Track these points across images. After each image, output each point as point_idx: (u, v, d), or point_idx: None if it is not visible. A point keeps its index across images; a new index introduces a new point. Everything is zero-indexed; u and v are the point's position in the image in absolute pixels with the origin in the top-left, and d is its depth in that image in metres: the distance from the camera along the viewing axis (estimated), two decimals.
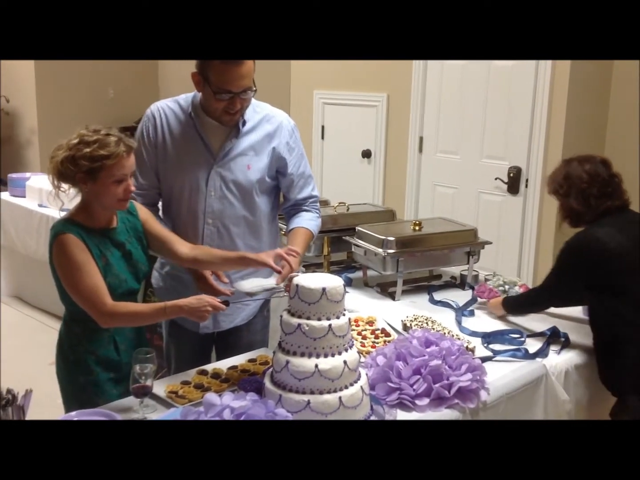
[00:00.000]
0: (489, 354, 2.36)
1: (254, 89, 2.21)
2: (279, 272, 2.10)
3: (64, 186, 1.99)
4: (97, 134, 1.94)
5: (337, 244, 3.21)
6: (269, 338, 2.63)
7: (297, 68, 5.53)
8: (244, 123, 2.30)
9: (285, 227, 2.50)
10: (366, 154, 5.23)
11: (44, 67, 7.20)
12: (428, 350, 2.05)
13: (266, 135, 2.34)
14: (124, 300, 2.03)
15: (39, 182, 4.73)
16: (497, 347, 2.43)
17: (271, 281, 2.18)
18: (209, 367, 2.22)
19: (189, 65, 2.20)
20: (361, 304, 2.84)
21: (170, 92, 2.40)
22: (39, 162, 7.31)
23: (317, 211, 2.50)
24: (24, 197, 4.84)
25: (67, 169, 1.93)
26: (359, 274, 3.20)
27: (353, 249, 3.10)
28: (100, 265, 1.99)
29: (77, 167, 1.92)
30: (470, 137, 4.58)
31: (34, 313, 4.80)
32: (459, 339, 2.40)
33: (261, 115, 2.35)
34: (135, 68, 7.76)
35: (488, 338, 2.49)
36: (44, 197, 4.57)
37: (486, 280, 2.92)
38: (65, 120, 7.03)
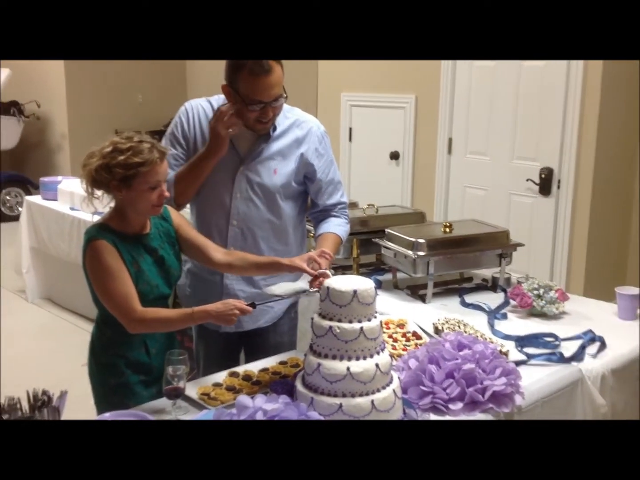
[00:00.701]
0: (523, 357, 2.31)
1: (285, 96, 2.21)
2: (314, 276, 2.07)
3: (97, 192, 2.00)
4: (130, 141, 1.93)
5: (366, 246, 3.18)
6: (297, 339, 2.62)
7: (325, 71, 5.53)
8: (275, 128, 2.30)
9: (313, 230, 2.49)
10: (394, 156, 5.20)
11: (74, 73, 7.30)
12: (461, 353, 2.02)
13: (295, 140, 2.34)
14: (155, 306, 2.03)
15: (70, 185, 4.78)
16: (531, 350, 2.38)
17: (300, 284, 2.17)
18: (240, 369, 2.21)
19: (217, 71, 2.21)
20: (391, 307, 2.81)
21: (198, 97, 2.41)
22: (70, 166, 7.40)
23: (346, 217, 2.49)
24: (56, 200, 4.90)
25: (102, 177, 1.93)
26: (388, 276, 3.17)
27: (382, 251, 3.06)
28: (131, 272, 1.99)
29: (112, 174, 1.92)
30: (501, 138, 4.53)
31: (65, 315, 4.84)
32: (492, 342, 2.36)
33: (291, 120, 2.35)
34: (163, 74, 7.83)
35: (522, 341, 2.44)
36: (76, 201, 4.61)
37: (519, 282, 2.87)
38: (95, 125, 7.13)
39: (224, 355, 2.51)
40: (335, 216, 2.45)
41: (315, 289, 2.06)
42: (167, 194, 2.01)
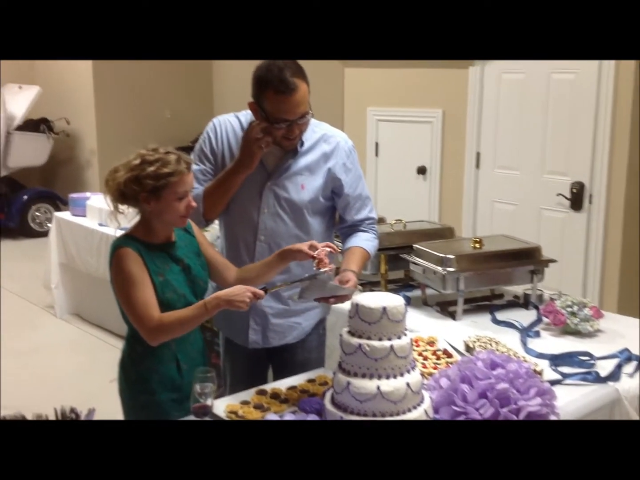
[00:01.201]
0: (558, 377, 2.26)
1: (311, 113, 2.20)
2: (312, 257, 2.07)
3: (122, 207, 2.01)
4: (157, 152, 1.96)
5: (394, 261, 3.14)
6: (325, 356, 2.59)
7: (351, 85, 5.52)
8: (302, 143, 2.29)
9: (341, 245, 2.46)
10: (421, 171, 5.16)
11: (103, 90, 7.39)
12: (494, 372, 1.96)
13: (322, 155, 2.33)
14: None
15: (99, 201, 4.82)
16: (566, 369, 2.33)
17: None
18: (267, 387, 2.19)
19: (244, 87, 2.22)
20: (421, 324, 2.77)
21: (225, 113, 2.42)
22: (98, 183, 7.47)
23: (374, 232, 2.46)
24: (85, 216, 4.93)
25: (131, 190, 1.95)
26: (417, 292, 3.13)
27: (411, 267, 3.03)
28: (157, 282, 1.99)
29: (142, 186, 1.94)
30: (530, 152, 4.48)
31: (94, 330, 4.86)
32: (525, 361, 2.31)
33: (319, 135, 2.34)
34: (191, 90, 7.90)
35: (556, 360, 2.39)
36: (104, 216, 4.63)
37: (552, 299, 2.81)
38: (123, 141, 7.17)
39: (251, 372, 2.49)
40: (363, 231, 2.43)
41: (321, 270, 2.05)
42: (193, 204, 2.03)
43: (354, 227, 2.43)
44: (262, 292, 1.97)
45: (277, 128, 2.17)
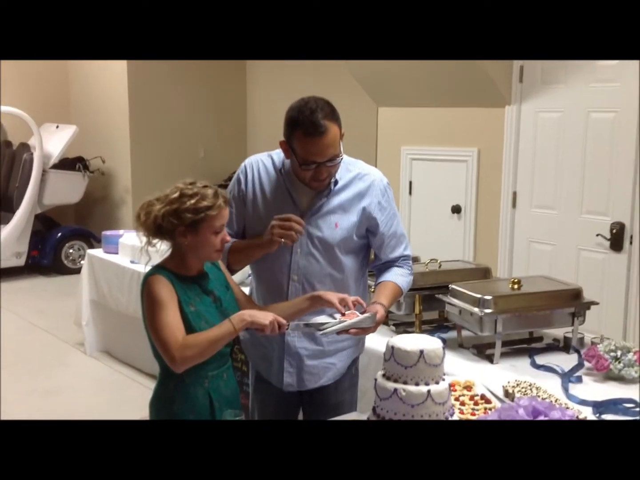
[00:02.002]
0: None
1: (341, 156, 2.18)
2: (342, 314, 2.06)
3: (155, 241, 2.00)
4: (195, 186, 1.97)
5: (429, 302, 3.07)
6: (357, 399, 2.52)
7: (384, 124, 5.52)
8: (336, 183, 2.27)
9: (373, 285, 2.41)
10: (456, 210, 5.10)
11: (138, 129, 7.49)
12: (536, 421, 1.88)
13: (357, 194, 2.29)
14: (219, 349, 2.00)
15: (131, 239, 4.82)
16: (610, 417, 2.22)
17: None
18: None
19: (277, 126, 2.22)
20: (457, 367, 2.68)
21: (258, 152, 2.41)
22: (132, 221, 7.51)
23: (409, 268, 2.41)
24: (117, 253, 4.94)
25: (169, 223, 1.94)
26: (452, 334, 3.05)
27: (447, 308, 2.95)
28: (188, 312, 1.96)
29: (180, 220, 1.94)
30: (569, 191, 4.40)
31: (123, 369, 4.83)
32: (568, 408, 2.20)
33: (353, 173, 2.31)
34: (224, 129, 7.98)
35: (600, 407, 2.28)
36: (136, 254, 4.62)
37: (594, 343, 2.70)
38: (157, 179, 7.20)
39: (281, 414, 2.43)
40: (398, 266, 2.37)
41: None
42: (228, 238, 2.04)
43: (388, 264, 2.38)
44: (284, 321, 1.95)
45: (304, 169, 2.15)
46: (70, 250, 7.50)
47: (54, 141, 7.35)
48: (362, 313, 2.10)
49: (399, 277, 2.33)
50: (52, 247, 7.37)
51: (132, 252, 4.72)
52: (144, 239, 2.00)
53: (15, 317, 5.92)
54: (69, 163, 7.46)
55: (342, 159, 2.20)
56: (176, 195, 1.95)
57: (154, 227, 1.97)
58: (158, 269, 2.00)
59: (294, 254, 2.26)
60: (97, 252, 5.10)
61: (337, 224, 2.26)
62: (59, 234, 7.45)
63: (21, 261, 7.16)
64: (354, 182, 2.30)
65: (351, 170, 2.31)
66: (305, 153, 2.12)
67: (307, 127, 2.08)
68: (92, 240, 7.47)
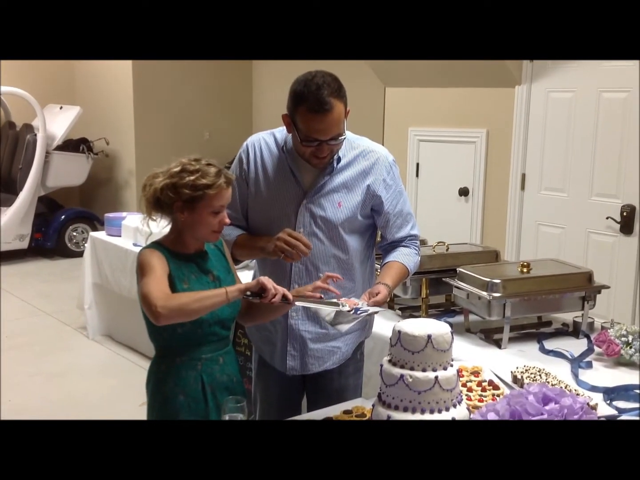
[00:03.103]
0: (613, 412, 2.11)
1: (344, 136, 2.12)
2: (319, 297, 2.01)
3: (156, 215, 1.97)
4: (198, 163, 1.92)
5: (436, 285, 3.02)
6: (362, 383, 2.47)
7: (391, 105, 5.44)
8: (339, 160, 2.21)
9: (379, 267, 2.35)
10: (463, 192, 5.03)
11: (142, 111, 7.43)
12: (547, 408, 1.81)
13: (361, 171, 2.23)
14: (214, 331, 1.97)
15: (134, 221, 4.77)
16: (621, 404, 2.18)
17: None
18: (303, 418, 2.09)
19: (283, 107, 2.15)
20: (464, 352, 2.63)
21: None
22: (136, 203, 7.47)
23: (416, 248, 2.34)
24: (120, 236, 4.89)
25: (167, 197, 1.91)
26: (459, 318, 2.99)
27: (454, 292, 2.90)
28: (179, 288, 1.91)
29: (178, 195, 1.90)
30: (579, 173, 4.34)
31: (126, 352, 4.80)
32: (578, 394, 2.15)
33: (358, 151, 2.25)
34: (229, 110, 7.90)
35: (611, 394, 2.24)
36: (139, 237, 4.59)
37: (604, 328, 2.64)
38: (161, 162, 7.17)
39: (285, 400, 2.40)
40: (404, 246, 2.31)
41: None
42: (227, 220, 1.97)
43: (395, 244, 2.31)
44: (284, 291, 1.87)
45: (306, 146, 2.10)
46: (74, 233, 7.45)
47: (57, 122, 7.28)
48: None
49: (405, 257, 2.27)
50: (56, 229, 7.32)
51: (134, 234, 4.67)
52: (145, 211, 1.96)
53: (18, 300, 5.90)
54: (73, 144, 7.40)
55: (345, 137, 2.14)
56: (177, 169, 1.92)
57: (153, 200, 1.93)
58: (154, 244, 1.97)
59: None
60: (100, 235, 5.05)
61: (341, 203, 2.21)
62: (63, 217, 7.40)
63: (24, 244, 7.12)
64: (358, 160, 2.23)
65: (355, 147, 2.25)
66: (307, 130, 2.06)
67: (312, 103, 2.02)
68: (96, 222, 7.42)
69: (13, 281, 6.40)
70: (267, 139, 2.28)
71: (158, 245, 1.97)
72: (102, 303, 5.04)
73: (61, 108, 7.46)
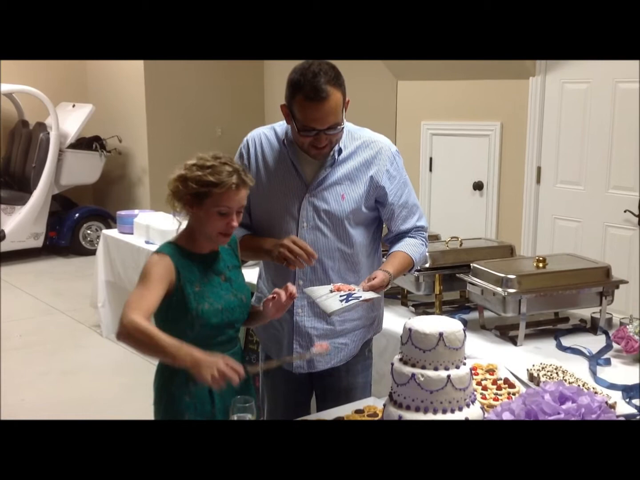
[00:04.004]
0: (633, 411, 2.07)
1: (342, 125, 2.09)
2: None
3: (177, 205, 1.95)
4: (214, 160, 1.90)
5: (449, 282, 2.97)
6: (371, 381, 2.44)
7: (404, 98, 5.40)
8: (340, 151, 2.17)
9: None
10: (478, 186, 4.98)
11: (154, 108, 7.42)
12: (563, 407, 1.77)
13: (364, 162, 2.19)
14: (223, 333, 1.95)
15: (146, 219, 4.76)
16: None
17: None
18: (312, 418, 2.06)
19: None
20: (478, 349, 2.60)
21: None
22: (149, 200, 7.47)
23: (423, 240, 2.29)
24: (132, 233, 4.88)
25: (177, 188, 1.91)
26: (474, 315, 2.95)
27: (468, 288, 2.85)
28: (190, 292, 1.89)
29: (187, 188, 1.89)
30: (595, 165, 4.28)
31: None
32: (596, 393, 2.10)
33: (359, 142, 2.21)
34: (242, 107, 7.88)
35: (630, 392, 2.19)
36: (151, 234, 4.58)
37: (623, 324, 2.59)
38: (174, 159, 7.15)
39: (293, 399, 2.38)
40: (410, 237, 2.26)
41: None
42: (235, 224, 1.92)
43: (401, 236, 2.27)
44: (235, 377, 1.72)
45: (303, 136, 2.07)
46: (88, 231, 7.46)
47: (70, 120, 7.29)
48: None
49: (410, 247, 2.23)
50: (70, 228, 7.34)
51: (147, 232, 4.65)
52: (170, 203, 1.96)
53: (32, 298, 5.91)
54: (86, 142, 7.41)
55: (343, 127, 2.11)
56: (192, 162, 1.91)
57: (171, 190, 1.93)
58: (169, 246, 1.95)
59: (300, 228, 2.18)
60: (112, 233, 5.04)
61: (344, 196, 2.17)
62: (77, 215, 7.41)
63: (39, 242, 7.14)
64: (360, 151, 2.20)
65: (357, 138, 2.21)
66: (304, 118, 2.03)
67: (308, 91, 1.99)
68: (110, 220, 7.43)
69: (27, 279, 6.41)
70: (267, 133, 2.26)
71: (172, 246, 1.95)
72: (115, 301, 5.02)
73: (74, 106, 7.46)
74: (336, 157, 2.16)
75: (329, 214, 2.17)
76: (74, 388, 4.20)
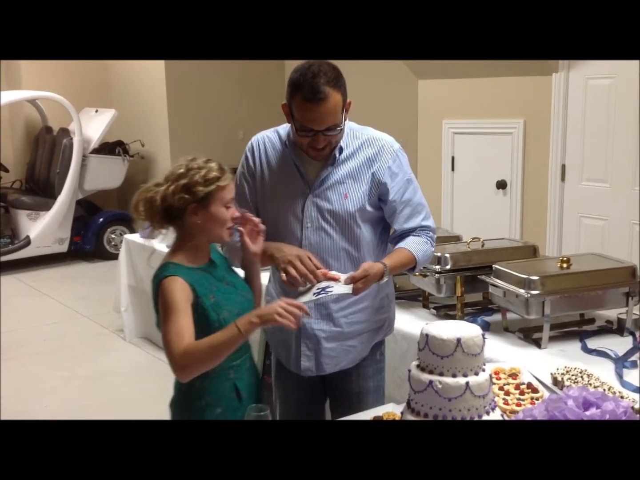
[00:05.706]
0: None
1: (341, 127, 2.07)
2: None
3: (163, 231, 1.97)
4: (197, 162, 1.91)
5: (471, 283, 2.92)
6: (384, 386, 2.40)
7: (425, 97, 5.35)
8: (341, 151, 2.15)
9: None
10: (501, 185, 4.91)
11: (176, 112, 7.45)
12: (587, 413, 1.72)
13: (366, 160, 2.17)
14: None
15: None
16: None
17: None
18: None
19: None
20: (501, 353, 2.55)
21: None
22: None
23: (428, 239, 2.23)
24: (154, 238, 4.87)
25: (180, 200, 1.87)
26: (497, 317, 2.90)
27: (490, 290, 2.80)
28: (208, 304, 1.88)
29: (192, 194, 1.87)
30: (621, 162, 4.20)
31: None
32: (622, 397, 2.04)
33: (361, 140, 2.19)
34: (263, 110, 7.86)
35: None
36: (171, 238, 4.57)
37: None
38: None
39: (305, 404, 2.36)
40: (414, 235, 2.21)
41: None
42: (236, 214, 1.96)
43: (405, 235, 2.22)
44: (299, 303, 1.81)
45: (301, 136, 2.05)
46: (112, 236, 7.50)
47: (93, 125, 7.34)
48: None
49: (411, 244, 2.18)
50: (94, 232, 7.38)
51: (167, 236, 4.65)
52: (157, 226, 1.95)
53: (57, 303, 5.95)
54: (109, 147, 7.45)
55: (342, 129, 2.09)
56: (182, 170, 1.89)
57: (162, 211, 1.89)
58: (174, 267, 1.90)
59: (304, 229, 2.16)
60: (134, 237, 5.05)
61: (347, 195, 2.15)
62: (101, 220, 7.46)
63: (64, 247, 7.19)
64: (362, 149, 2.17)
65: (359, 137, 2.19)
66: (302, 119, 2.02)
67: (307, 91, 1.98)
68: (134, 225, 7.46)
69: (52, 284, 6.46)
70: (270, 136, 2.25)
71: (176, 267, 1.90)
72: (138, 305, 5.04)
73: (96, 111, 7.51)
74: (337, 156, 2.14)
75: (332, 213, 2.14)
76: (99, 393, 4.21)
